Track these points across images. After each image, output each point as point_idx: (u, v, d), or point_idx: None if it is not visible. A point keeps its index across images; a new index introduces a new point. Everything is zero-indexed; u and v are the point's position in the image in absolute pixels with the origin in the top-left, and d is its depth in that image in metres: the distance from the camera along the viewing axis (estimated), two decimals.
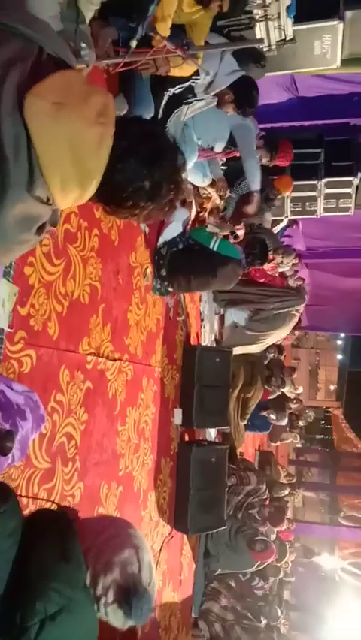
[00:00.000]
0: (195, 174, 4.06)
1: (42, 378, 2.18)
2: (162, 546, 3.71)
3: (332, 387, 22.70)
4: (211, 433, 4.95)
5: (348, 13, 4.05)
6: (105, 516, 1.26)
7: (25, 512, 1.27)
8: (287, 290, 5.72)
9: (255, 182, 4.20)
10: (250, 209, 4.30)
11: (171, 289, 3.68)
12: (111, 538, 1.14)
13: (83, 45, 2.09)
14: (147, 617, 1.13)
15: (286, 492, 7.81)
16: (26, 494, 2.06)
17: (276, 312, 5.09)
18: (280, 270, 6.64)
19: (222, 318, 5.30)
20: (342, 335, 20.27)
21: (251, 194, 4.23)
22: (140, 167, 1.13)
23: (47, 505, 1.94)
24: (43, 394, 2.16)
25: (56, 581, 1.05)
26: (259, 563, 5.02)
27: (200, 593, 4.70)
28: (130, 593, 1.11)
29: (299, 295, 5.43)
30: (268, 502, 5.66)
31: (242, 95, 3.41)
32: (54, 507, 1.43)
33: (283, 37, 3.95)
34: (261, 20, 3.75)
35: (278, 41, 3.98)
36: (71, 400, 2.40)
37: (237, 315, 5.14)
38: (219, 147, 4.04)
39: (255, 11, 3.68)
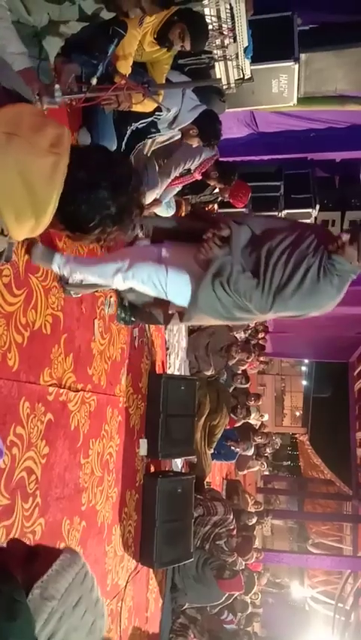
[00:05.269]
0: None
1: (1, 411, 2.13)
2: (127, 582, 3.61)
3: (297, 414, 22.84)
4: (178, 463, 4.91)
5: (303, 56, 4.30)
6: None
7: None
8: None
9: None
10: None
11: (134, 319, 3.68)
12: None
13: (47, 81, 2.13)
14: None
15: (254, 520, 7.75)
16: None
17: None
18: None
19: None
20: (306, 361, 20.61)
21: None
22: (104, 195, 1.15)
23: None
24: (2, 428, 2.11)
25: None
26: (227, 595, 4.94)
27: (167, 630, 4.57)
28: None
29: None
30: (235, 532, 5.60)
31: (206, 128, 3.57)
32: None
33: (241, 76, 4.13)
34: (220, 60, 3.92)
35: (237, 80, 4.16)
36: (32, 432, 2.35)
37: None
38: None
39: (214, 52, 3.84)
